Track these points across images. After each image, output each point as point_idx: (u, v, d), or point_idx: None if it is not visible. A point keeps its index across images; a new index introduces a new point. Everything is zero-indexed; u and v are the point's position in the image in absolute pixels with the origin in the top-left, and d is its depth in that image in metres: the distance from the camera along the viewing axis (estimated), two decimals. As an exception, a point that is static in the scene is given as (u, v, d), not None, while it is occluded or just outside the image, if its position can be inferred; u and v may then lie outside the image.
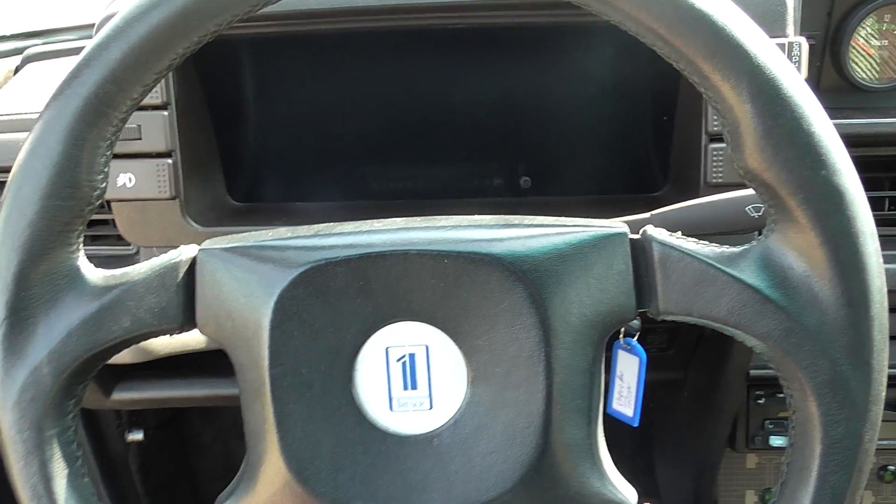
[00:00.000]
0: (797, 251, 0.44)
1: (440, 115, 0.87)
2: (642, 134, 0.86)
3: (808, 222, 0.43)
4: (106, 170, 0.47)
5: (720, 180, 0.70)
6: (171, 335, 0.50)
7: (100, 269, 0.49)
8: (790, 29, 0.69)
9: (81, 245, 0.48)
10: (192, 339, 0.76)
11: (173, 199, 0.75)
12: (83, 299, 0.47)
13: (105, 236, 0.87)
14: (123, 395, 0.98)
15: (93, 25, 1.22)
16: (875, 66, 0.78)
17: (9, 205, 0.46)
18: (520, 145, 0.88)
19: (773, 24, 0.67)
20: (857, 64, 0.78)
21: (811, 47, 0.75)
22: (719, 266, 0.45)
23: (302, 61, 0.87)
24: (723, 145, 0.70)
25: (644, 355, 0.70)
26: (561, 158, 0.88)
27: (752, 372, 0.91)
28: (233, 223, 0.80)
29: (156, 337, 0.49)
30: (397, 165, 0.89)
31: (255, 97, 0.88)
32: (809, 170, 0.42)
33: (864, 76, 0.78)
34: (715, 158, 0.70)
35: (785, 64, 0.42)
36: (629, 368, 0.70)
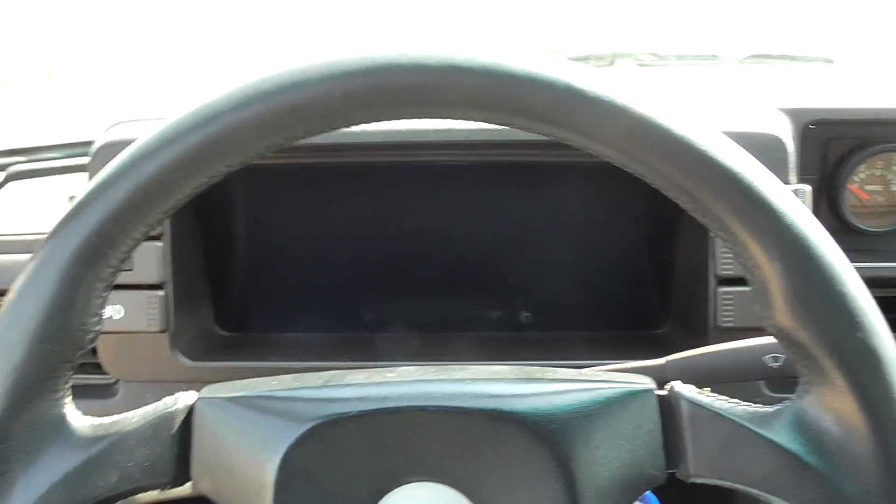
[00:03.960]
0: (835, 414, 0.42)
1: (436, 246, 0.86)
2: (641, 270, 0.85)
3: (845, 385, 0.41)
4: (100, 312, 0.45)
5: (731, 324, 0.69)
6: (160, 490, 0.46)
7: (87, 418, 0.45)
8: (792, 176, 0.70)
9: (69, 391, 0.45)
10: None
11: (163, 332, 0.72)
12: (67, 451, 0.44)
13: (81, 364, 0.83)
14: None
15: (79, 144, 1.22)
16: (870, 210, 0.79)
17: None
18: (517, 277, 0.87)
19: (776, 172, 0.67)
20: (852, 208, 0.79)
21: (806, 191, 0.76)
22: (752, 427, 0.43)
23: (295, 191, 0.86)
24: (733, 289, 0.69)
25: (657, 505, 0.67)
26: (558, 292, 0.87)
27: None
28: (222, 356, 0.76)
29: (144, 492, 0.46)
30: (391, 297, 0.87)
31: (247, 225, 0.86)
32: (844, 332, 0.41)
33: (860, 220, 0.79)
34: (725, 302, 0.69)
35: (813, 222, 0.42)
36: (640, 520, 0.67)
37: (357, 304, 0.87)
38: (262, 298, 0.87)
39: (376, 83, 0.40)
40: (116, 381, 0.80)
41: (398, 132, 0.71)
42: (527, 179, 0.83)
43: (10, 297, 0.43)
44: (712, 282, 0.70)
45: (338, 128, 0.43)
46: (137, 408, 0.47)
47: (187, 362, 0.73)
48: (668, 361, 0.61)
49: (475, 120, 0.42)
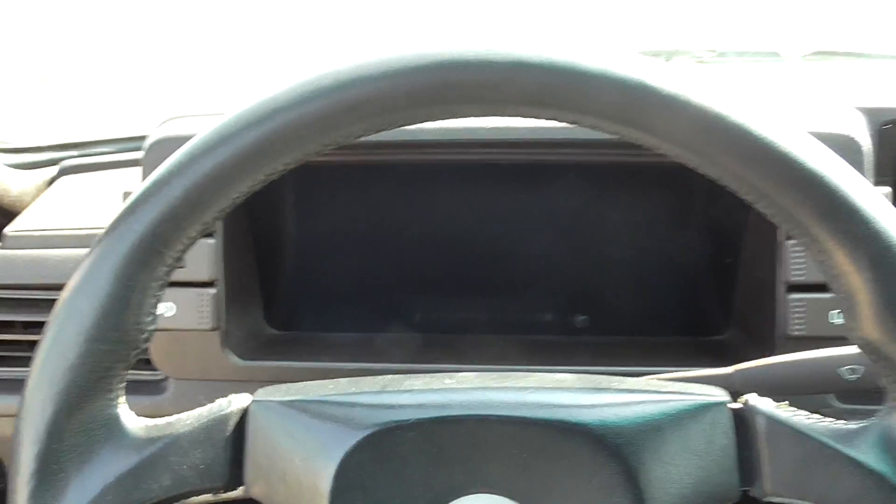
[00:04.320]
0: None
1: (487, 248, 0.85)
2: (702, 274, 0.82)
3: None
4: (155, 311, 0.44)
5: (801, 333, 0.66)
6: (213, 495, 0.45)
7: (141, 419, 0.45)
8: (868, 178, 0.67)
9: (123, 391, 0.44)
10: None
11: (214, 330, 0.71)
12: (121, 452, 0.43)
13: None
14: None
15: (131, 139, 1.22)
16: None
17: (48, 346, 0.42)
18: (570, 280, 0.85)
19: (852, 174, 0.64)
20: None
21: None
22: (836, 446, 0.41)
23: (343, 190, 0.85)
24: (804, 296, 0.66)
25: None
26: (614, 295, 0.84)
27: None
28: (272, 356, 0.76)
29: (196, 496, 0.45)
30: (441, 297, 0.85)
31: (296, 224, 0.86)
32: None
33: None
34: (795, 310, 0.66)
35: None
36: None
37: (405, 305, 0.86)
38: (309, 297, 0.87)
39: (442, 80, 0.39)
40: (166, 378, 0.80)
41: (453, 130, 0.69)
42: (585, 179, 0.81)
43: (64, 295, 0.43)
44: (781, 288, 0.67)
45: (399, 125, 0.41)
46: (186, 405, 0.46)
47: (238, 361, 0.72)
48: (735, 371, 0.58)
49: (543, 118, 0.41)
